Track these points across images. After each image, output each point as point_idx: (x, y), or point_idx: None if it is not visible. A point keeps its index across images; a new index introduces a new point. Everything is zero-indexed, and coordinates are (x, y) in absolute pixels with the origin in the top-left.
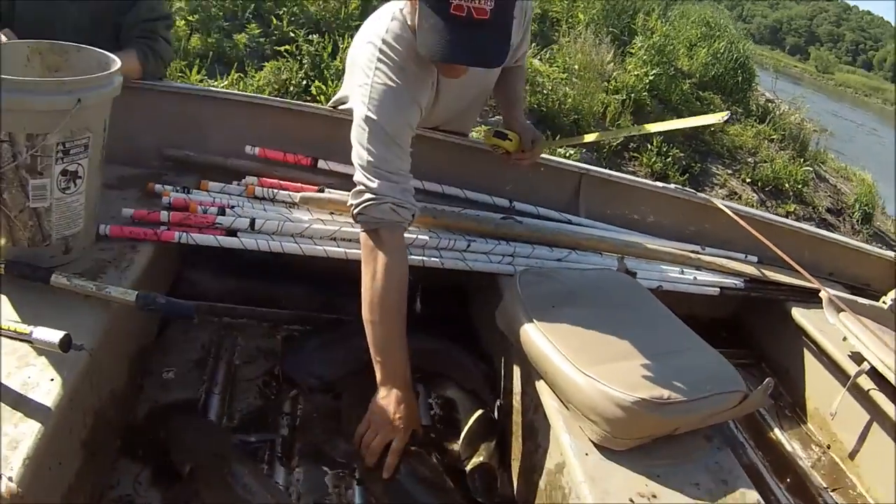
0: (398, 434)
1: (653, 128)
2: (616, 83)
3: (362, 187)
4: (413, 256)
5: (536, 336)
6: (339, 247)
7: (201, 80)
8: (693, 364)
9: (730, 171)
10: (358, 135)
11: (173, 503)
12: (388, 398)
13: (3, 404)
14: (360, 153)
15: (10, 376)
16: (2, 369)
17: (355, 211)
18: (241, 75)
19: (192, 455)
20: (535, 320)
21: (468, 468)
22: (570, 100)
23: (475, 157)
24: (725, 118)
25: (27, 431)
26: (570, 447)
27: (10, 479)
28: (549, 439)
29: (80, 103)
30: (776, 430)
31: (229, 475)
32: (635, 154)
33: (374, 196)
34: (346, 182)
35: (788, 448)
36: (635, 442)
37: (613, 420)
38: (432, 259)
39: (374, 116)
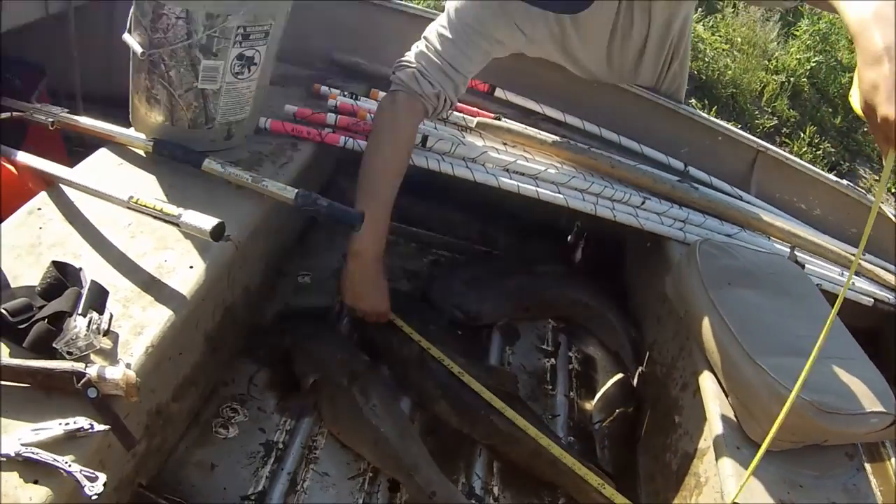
0: (381, 319)
1: None
2: (777, 63)
3: (407, 53)
4: (585, 202)
5: (711, 312)
6: (511, 179)
7: None
8: (857, 376)
9: (877, 178)
10: (438, 19)
11: (287, 411)
12: (361, 274)
13: (132, 284)
14: (427, 29)
15: (145, 257)
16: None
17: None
18: None
19: (318, 367)
20: (711, 295)
21: (598, 432)
22: (729, 72)
23: (657, 113)
24: None
25: (155, 318)
26: (721, 436)
27: (128, 365)
28: (694, 421)
29: None
30: (893, 460)
31: (357, 394)
32: (786, 140)
33: (406, 61)
34: (522, 114)
35: None
36: (789, 445)
37: (776, 418)
38: (603, 208)
39: (458, 6)
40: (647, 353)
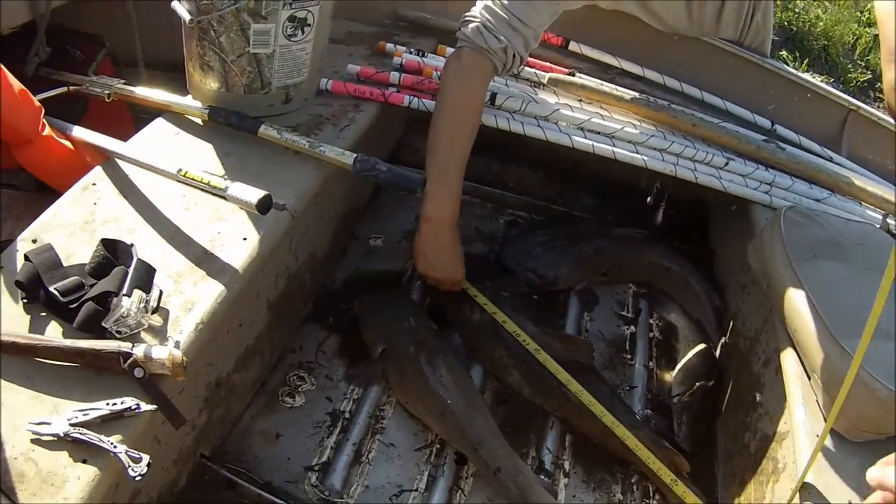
0: (455, 288)
1: None
2: (870, 16)
3: (473, 7)
4: (665, 163)
5: (795, 286)
6: (586, 138)
7: None
8: None
9: None
10: None
11: (355, 380)
12: (434, 241)
13: (185, 259)
14: None
15: (198, 230)
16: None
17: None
18: None
19: (386, 336)
20: (795, 268)
21: (677, 406)
22: (821, 24)
23: (741, 67)
24: None
25: (206, 293)
26: (801, 422)
27: (177, 343)
28: (775, 401)
29: None
30: None
31: (424, 364)
32: (881, 95)
33: (472, 15)
34: (598, 69)
35: None
36: (871, 437)
37: (860, 407)
38: (684, 170)
39: None
40: (731, 324)
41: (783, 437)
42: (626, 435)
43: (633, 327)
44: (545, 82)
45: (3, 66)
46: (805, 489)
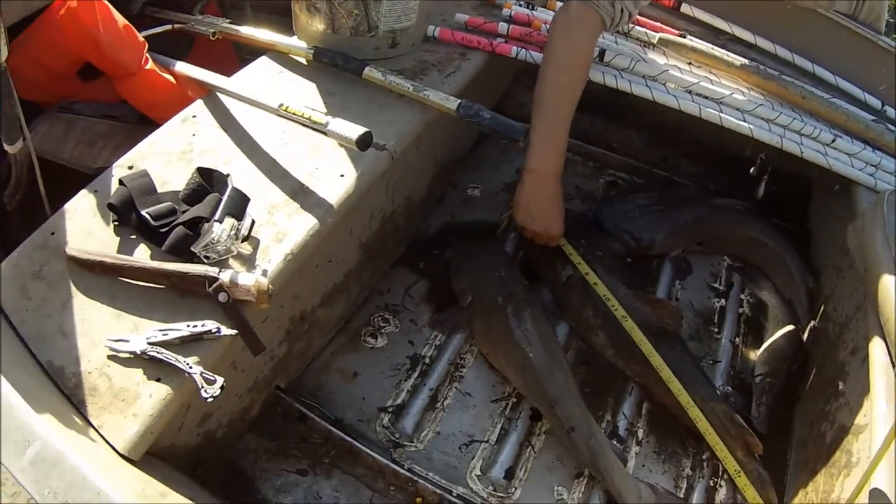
0: (551, 243)
1: None
2: None
3: None
4: (772, 133)
5: (891, 272)
6: (693, 101)
7: None
8: None
9: None
10: None
11: (439, 325)
12: (537, 193)
13: (280, 191)
14: None
15: (296, 164)
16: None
17: None
18: None
19: (476, 286)
20: (894, 254)
21: (758, 386)
22: None
23: (854, 43)
24: None
25: (298, 225)
26: (881, 416)
27: (264, 272)
28: (858, 392)
29: None
30: None
31: (511, 316)
32: None
33: None
34: (710, 33)
35: None
36: None
37: None
38: (790, 143)
39: None
40: (822, 307)
41: (860, 430)
42: (699, 417)
43: (723, 301)
44: (655, 42)
45: (108, 3)
46: (873, 487)
